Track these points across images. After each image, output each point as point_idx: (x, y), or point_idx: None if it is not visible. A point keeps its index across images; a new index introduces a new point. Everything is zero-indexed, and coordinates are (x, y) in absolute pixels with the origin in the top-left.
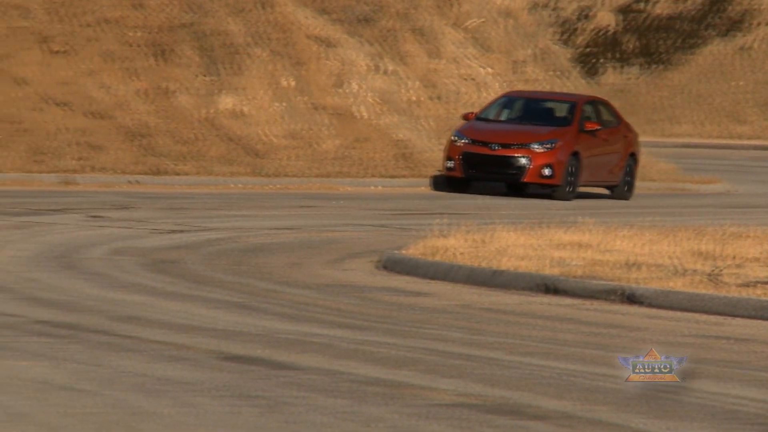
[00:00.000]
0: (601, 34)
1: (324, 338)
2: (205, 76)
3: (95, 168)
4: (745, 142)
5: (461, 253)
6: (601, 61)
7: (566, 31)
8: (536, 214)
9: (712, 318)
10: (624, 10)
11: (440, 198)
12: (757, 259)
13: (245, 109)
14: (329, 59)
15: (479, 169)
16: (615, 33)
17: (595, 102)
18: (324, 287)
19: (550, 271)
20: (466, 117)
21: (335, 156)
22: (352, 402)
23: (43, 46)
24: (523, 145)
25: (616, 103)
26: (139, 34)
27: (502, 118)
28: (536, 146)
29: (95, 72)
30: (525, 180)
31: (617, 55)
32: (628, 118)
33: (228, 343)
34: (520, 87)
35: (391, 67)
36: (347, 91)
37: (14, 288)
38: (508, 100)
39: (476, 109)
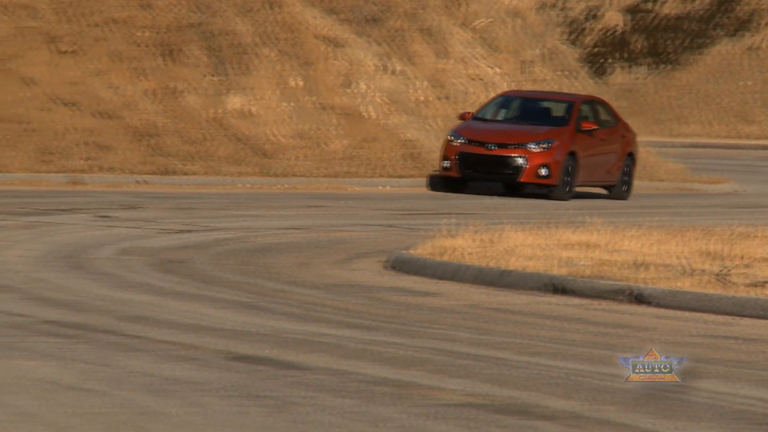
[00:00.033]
0: (609, 34)
1: (332, 338)
2: (213, 76)
3: (103, 168)
4: (753, 142)
5: (469, 253)
6: (609, 61)
7: (574, 31)
8: (544, 214)
9: (720, 318)
10: (632, 10)
11: (448, 198)
12: (765, 259)
13: (253, 109)
14: (337, 59)
15: (476, 169)
16: (623, 33)
17: (592, 102)
18: (332, 287)
19: (558, 271)
20: (462, 117)
21: (343, 156)
22: (360, 402)
23: (51, 46)
24: (520, 145)
25: (623, 103)
26: (147, 34)
27: (499, 117)
28: (533, 146)
29: (103, 72)
30: (521, 180)
31: (625, 55)
32: (636, 118)
33: (236, 343)
34: (528, 87)
35: (399, 67)
36: (355, 91)
37: (22, 288)
38: (504, 100)
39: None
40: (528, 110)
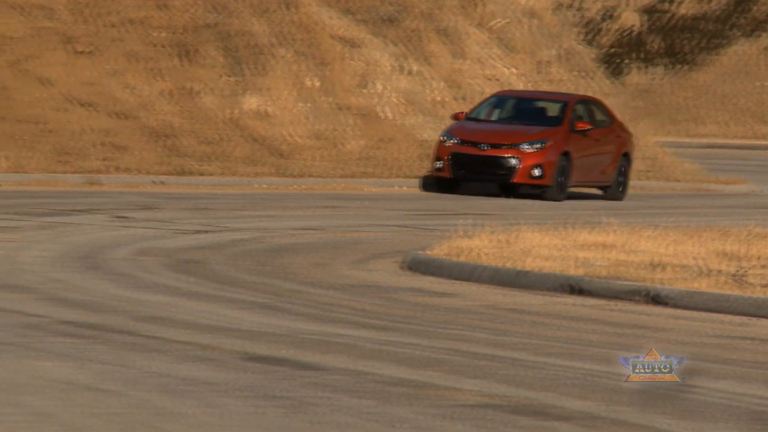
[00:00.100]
0: (625, 34)
1: (348, 339)
2: (229, 76)
3: (120, 168)
4: None
5: (486, 254)
6: (626, 61)
7: (591, 32)
8: (560, 214)
9: (737, 319)
10: (648, 11)
11: (464, 199)
12: None
13: (269, 110)
14: (353, 60)
15: (468, 169)
16: (639, 33)
17: (587, 101)
18: (348, 287)
19: (574, 271)
20: (456, 117)
21: (359, 156)
22: (376, 402)
23: (68, 47)
24: (513, 146)
25: (640, 104)
26: (163, 34)
27: (493, 117)
28: (526, 146)
29: (120, 72)
30: (514, 181)
31: (642, 56)
32: (653, 119)
33: (252, 344)
34: (545, 87)
35: (415, 68)
36: (371, 91)
37: (39, 288)
38: (498, 100)
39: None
40: (522, 110)
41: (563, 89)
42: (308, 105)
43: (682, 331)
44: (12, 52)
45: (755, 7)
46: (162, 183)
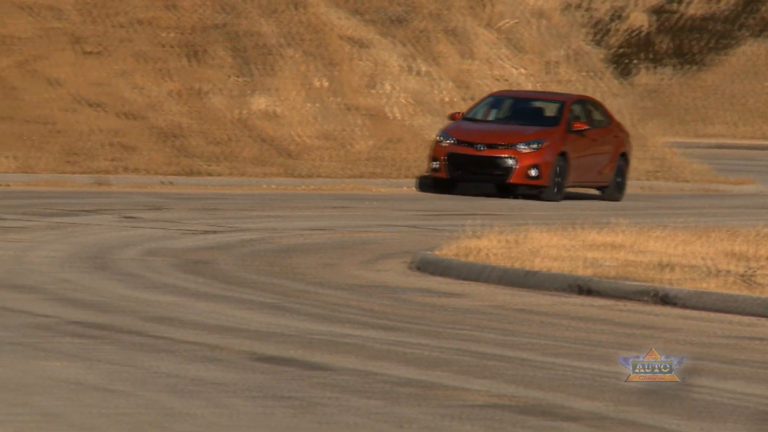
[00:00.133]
0: (634, 34)
1: (357, 339)
2: (237, 76)
3: (128, 169)
4: None
5: (494, 254)
6: (635, 61)
7: (599, 32)
8: (569, 215)
9: (746, 319)
10: (657, 11)
11: (473, 199)
12: None
13: (278, 110)
14: (362, 60)
15: (465, 170)
16: (648, 34)
17: (584, 101)
18: (357, 288)
19: (583, 272)
20: (452, 117)
21: (368, 157)
22: (385, 403)
23: (76, 47)
24: (509, 146)
25: (648, 104)
26: (172, 34)
27: (490, 118)
28: (522, 147)
29: (128, 73)
30: (511, 181)
31: (650, 56)
32: (661, 119)
33: (261, 344)
34: (553, 88)
35: (423, 68)
36: (380, 91)
37: (48, 289)
38: (495, 100)
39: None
40: (519, 110)
41: (572, 90)
42: (317, 105)
43: (691, 332)
44: (20, 52)
45: (764, 8)
46: (170, 183)
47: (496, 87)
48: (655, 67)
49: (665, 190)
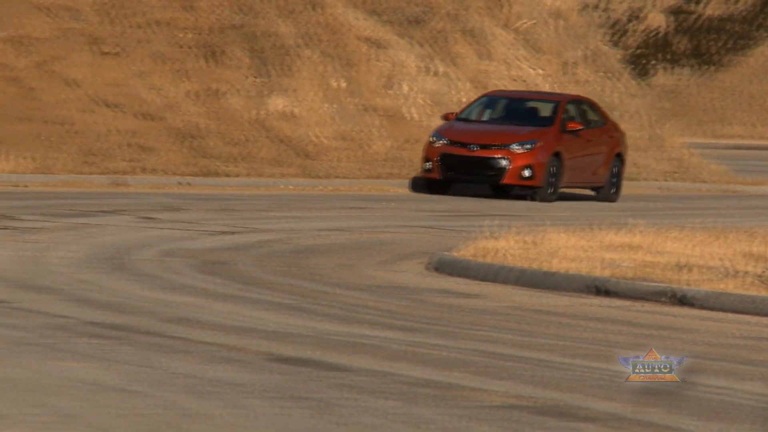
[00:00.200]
0: (651, 35)
1: (375, 339)
2: (255, 77)
3: (146, 169)
4: None
5: (512, 255)
6: (652, 62)
7: (617, 33)
8: (587, 215)
9: (764, 320)
10: (675, 11)
11: (489, 200)
12: None
13: (295, 111)
14: (379, 60)
15: (458, 170)
16: (666, 34)
17: (579, 101)
18: (374, 288)
19: (601, 272)
20: (446, 117)
21: (385, 157)
22: (402, 403)
23: (94, 48)
24: (503, 146)
25: (666, 105)
26: (189, 35)
27: (484, 118)
28: (516, 147)
29: (146, 73)
30: (504, 182)
31: (668, 57)
32: (679, 120)
33: (279, 345)
34: (571, 88)
35: (441, 69)
36: (397, 92)
37: (65, 289)
38: (489, 100)
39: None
40: (512, 110)
41: (589, 90)
42: (334, 106)
43: (709, 333)
44: (38, 53)
45: None
46: (188, 184)
47: (514, 87)
48: (672, 68)
49: (683, 190)
